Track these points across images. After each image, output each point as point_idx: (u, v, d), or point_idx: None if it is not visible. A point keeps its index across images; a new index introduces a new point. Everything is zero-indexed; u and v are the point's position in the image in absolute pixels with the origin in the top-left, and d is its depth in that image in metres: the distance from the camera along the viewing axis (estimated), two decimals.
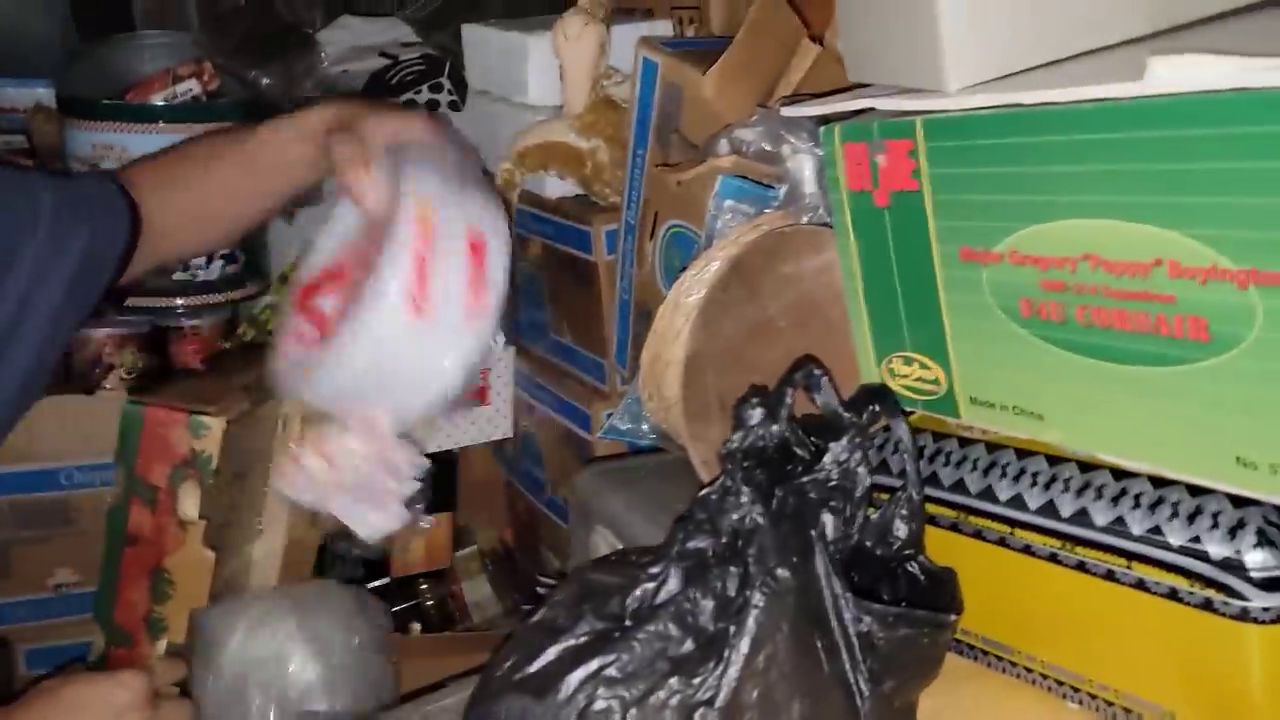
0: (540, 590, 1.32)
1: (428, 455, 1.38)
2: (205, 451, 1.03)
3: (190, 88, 1.33)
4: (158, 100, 1.31)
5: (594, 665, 0.47)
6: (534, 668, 0.49)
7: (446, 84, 1.51)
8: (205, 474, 1.03)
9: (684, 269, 0.90)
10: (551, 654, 0.49)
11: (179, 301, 1.40)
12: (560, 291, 1.30)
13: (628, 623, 0.49)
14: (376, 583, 1.43)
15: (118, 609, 1.05)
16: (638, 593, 0.50)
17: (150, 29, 1.47)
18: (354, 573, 1.42)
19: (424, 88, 1.51)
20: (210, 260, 1.39)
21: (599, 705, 0.46)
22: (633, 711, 0.47)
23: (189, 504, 1.03)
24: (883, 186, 0.69)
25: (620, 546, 0.78)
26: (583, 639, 0.49)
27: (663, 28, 1.27)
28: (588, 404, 1.28)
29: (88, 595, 1.16)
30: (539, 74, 1.25)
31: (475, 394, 1.42)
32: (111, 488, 1.10)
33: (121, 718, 0.77)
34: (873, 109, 0.69)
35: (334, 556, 1.39)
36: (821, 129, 0.72)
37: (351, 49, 1.56)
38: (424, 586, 1.51)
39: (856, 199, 0.71)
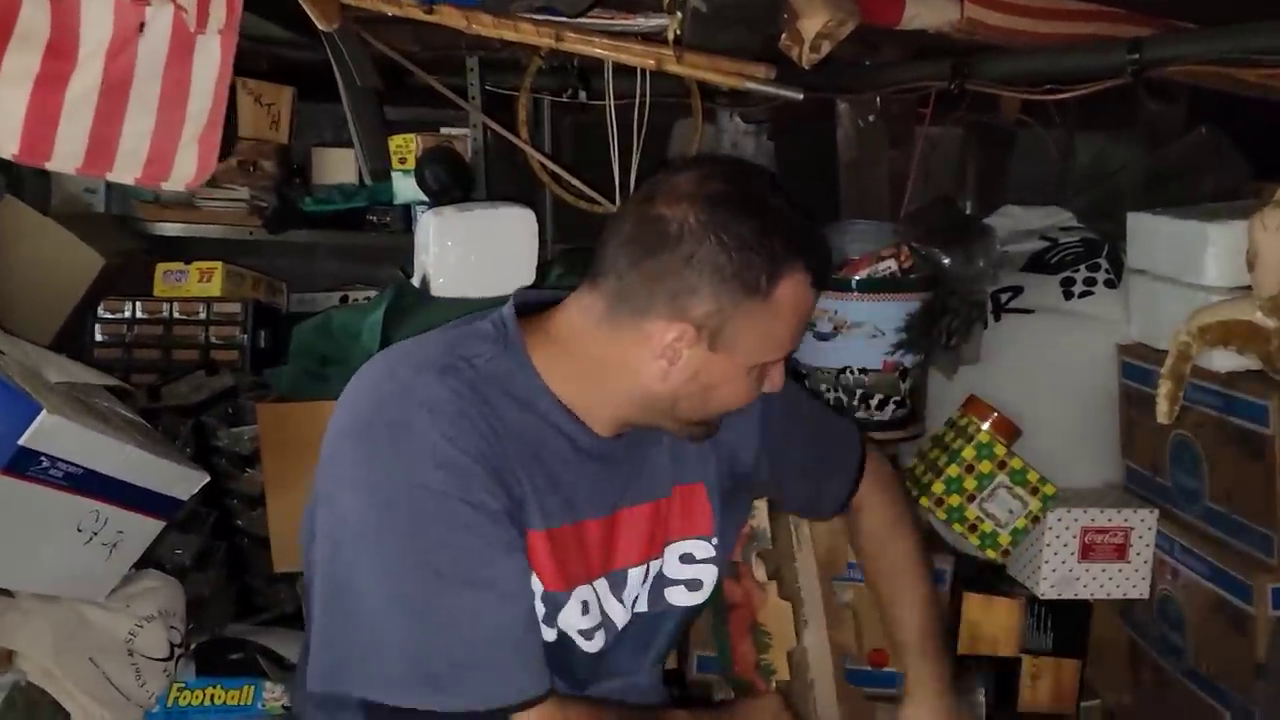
0: None
1: (1061, 601, 1.50)
2: (761, 525, 1.28)
3: (889, 265, 1.65)
4: (863, 274, 1.65)
5: None
6: None
7: (1104, 264, 1.66)
8: (764, 541, 1.27)
9: None
10: None
11: None
12: (1222, 461, 1.35)
13: None
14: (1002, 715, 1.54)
15: (736, 664, 1.30)
16: None
17: (854, 218, 1.84)
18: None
19: (1082, 266, 1.67)
20: (884, 405, 1.67)
21: None
22: None
23: (760, 569, 1.26)
24: None
25: None
26: None
27: None
28: (1250, 575, 1.29)
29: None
30: (1218, 258, 1.35)
31: (1114, 550, 1.50)
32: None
33: (779, 716, 1.10)
34: None
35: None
36: None
37: (1013, 233, 1.79)
38: None
39: None
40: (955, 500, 1.49)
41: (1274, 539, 1.26)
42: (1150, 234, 1.50)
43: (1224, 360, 1.33)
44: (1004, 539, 1.49)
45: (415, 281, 1.50)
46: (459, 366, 0.92)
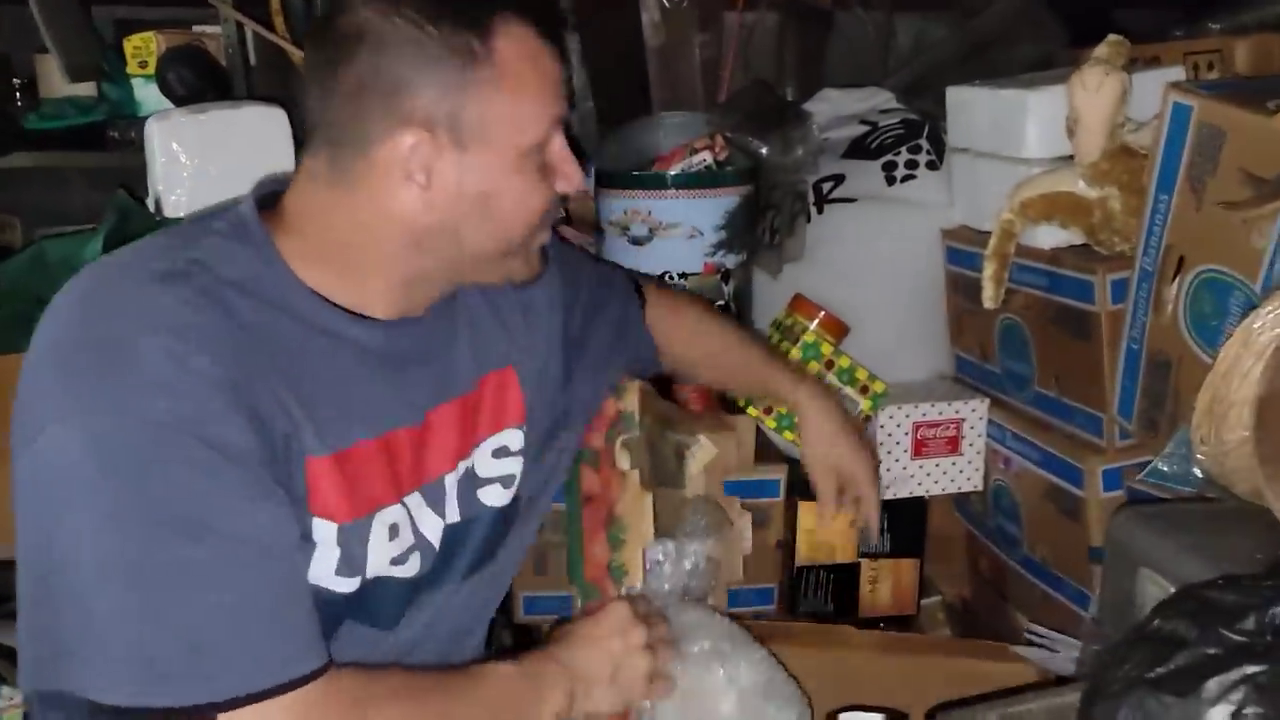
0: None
1: (897, 500, 1.44)
2: (629, 409, 1.18)
3: (704, 158, 1.51)
4: (676, 169, 1.51)
5: (1240, 673, 0.48)
6: (1164, 670, 0.51)
7: (925, 145, 1.57)
8: (631, 427, 1.17)
9: (1224, 314, 0.86)
10: (1182, 660, 0.50)
11: None
12: (1050, 343, 1.29)
13: (1268, 638, 0.49)
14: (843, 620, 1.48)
15: (587, 568, 1.17)
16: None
17: (666, 111, 1.69)
18: (822, 608, 1.49)
19: (903, 149, 1.58)
20: None
21: (1249, 710, 0.47)
22: None
23: (623, 457, 1.15)
24: None
25: (1170, 589, 0.76)
26: (1215, 649, 0.50)
27: (1174, 74, 1.24)
28: (1080, 459, 1.25)
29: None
30: (1038, 128, 1.27)
31: (947, 444, 1.45)
32: None
33: (627, 633, 0.92)
34: None
35: (806, 589, 1.47)
36: None
37: (833, 118, 1.68)
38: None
39: None
40: (784, 407, 1.39)
41: (1103, 420, 1.22)
42: (969, 108, 1.42)
43: (1048, 236, 1.26)
44: None
45: (150, 202, 1.27)
46: (188, 271, 0.74)
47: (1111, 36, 1.14)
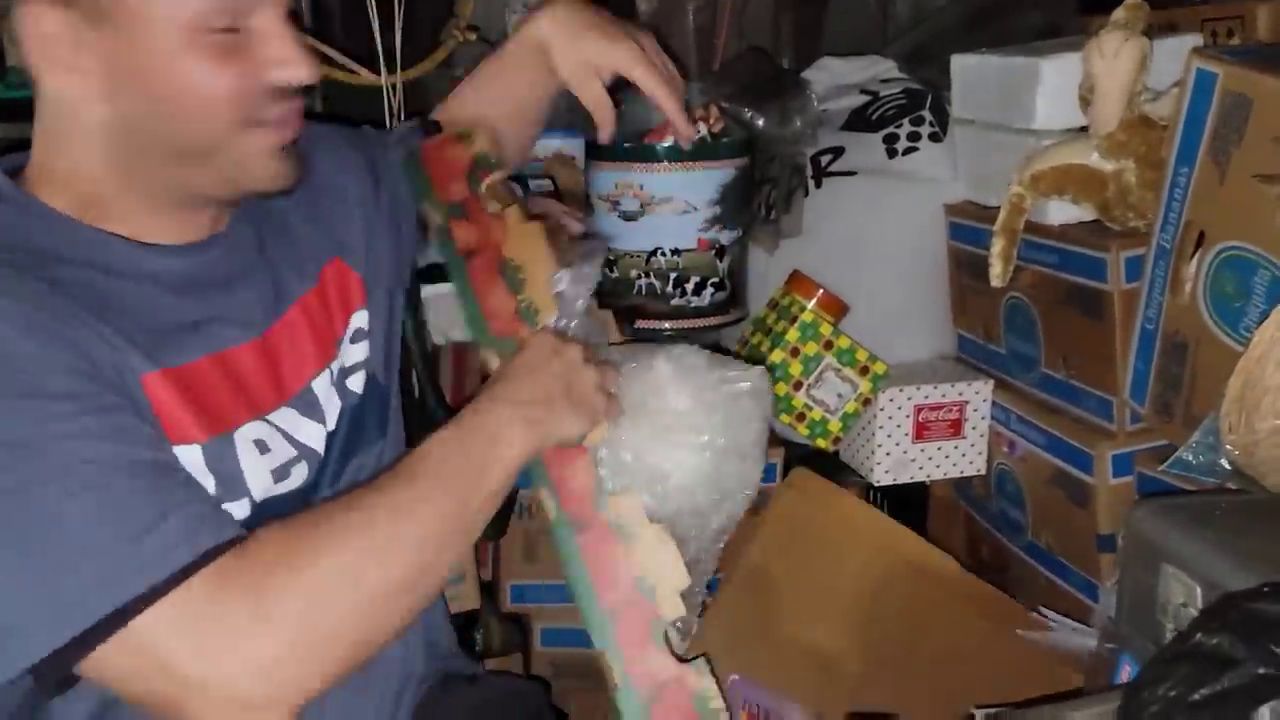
0: None
1: (898, 486, 1.40)
2: (481, 150, 1.08)
3: (699, 129, 1.45)
4: (669, 142, 1.45)
5: None
6: (1209, 692, 0.46)
7: (928, 116, 1.52)
8: (491, 167, 1.06)
9: (1247, 294, 0.81)
10: (1229, 681, 0.46)
11: (667, 325, 1.51)
12: (1059, 323, 1.24)
13: None
14: None
15: (492, 325, 1.00)
16: None
17: None
18: None
19: (905, 121, 1.52)
20: (702, 289, 1.50)
21: None
22: None
23: (492, 202, 1.06)
24: None
25: (1198, 589, 0.72)
26: (1267, 669, 0.45)
27: (1192, 42, 1.17)
28: (1089, 443, 1.20)
29: None
30: (1049, 98, 1.21)
31: (949, 427, 1.40)
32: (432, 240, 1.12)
33: (561, 351, 0.86)
34: None
35: None
36: None
37: (833, 88, 1.62)
38: None
39: None
40: (781, 389, 1.34)
41: (1114, 403, 1.17)
42: (975, 77, 1.36)
43: (1058, 212, 1.21)
44: (834, 426, 1.36)
45: None
46: None
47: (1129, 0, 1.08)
